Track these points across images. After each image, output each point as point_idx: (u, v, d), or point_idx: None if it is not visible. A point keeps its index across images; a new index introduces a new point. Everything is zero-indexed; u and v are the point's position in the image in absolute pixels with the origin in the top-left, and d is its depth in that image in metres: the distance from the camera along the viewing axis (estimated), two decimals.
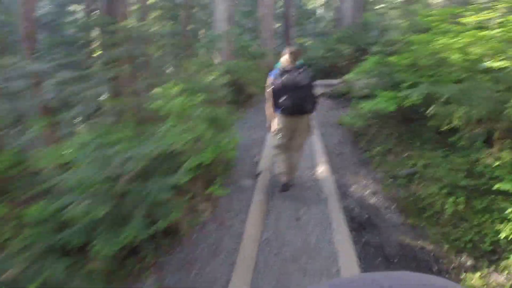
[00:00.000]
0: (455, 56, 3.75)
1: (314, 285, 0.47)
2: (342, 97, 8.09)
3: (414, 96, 4.03)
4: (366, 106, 4.56)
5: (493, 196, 2.94)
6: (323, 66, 12.73)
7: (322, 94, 8.47)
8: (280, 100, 3.02)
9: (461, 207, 3.03)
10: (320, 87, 9.27)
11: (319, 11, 22.48)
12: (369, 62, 5.76)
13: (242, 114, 7.72)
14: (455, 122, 3.50)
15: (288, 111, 3.07)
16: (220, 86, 5.24)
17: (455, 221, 3.00)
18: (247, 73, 8.18)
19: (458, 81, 3.88)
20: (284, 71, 3.06)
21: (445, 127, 3.63)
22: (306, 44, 19.50)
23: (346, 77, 8.27)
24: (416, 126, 4.79)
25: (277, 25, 19.07)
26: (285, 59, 3.15)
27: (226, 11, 10.76)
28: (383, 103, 4.28)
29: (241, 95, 8.49)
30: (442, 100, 3.62)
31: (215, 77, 5.29)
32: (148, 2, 12.93)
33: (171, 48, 10.74)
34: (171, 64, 9.79)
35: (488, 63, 3.35)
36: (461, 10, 4.17)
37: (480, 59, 3.59)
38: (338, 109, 7.57)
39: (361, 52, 11.23)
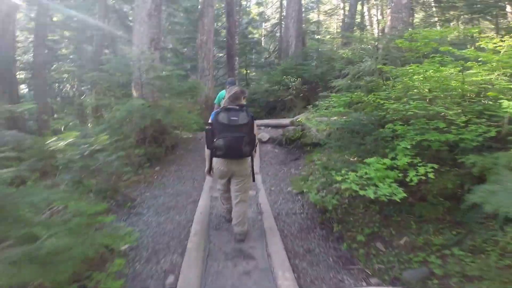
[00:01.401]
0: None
1: None
2: (293, 144, 6.30)
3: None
4: (348, 185, 2.67)
5: None
6: (267, 101, 11.14)
7: (269, 140, 6.64)
8: (214, 141, 2.76)
9: None
10: (265, 128, 7.45)
11: (262, 41, 21.76)
12: (337, 102, 4.00)
13: (158, 178, 5.48)
14: None
15: (221, 153, 2.79)
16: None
17: None
18: (168, 115, 6.05)
19: None
20: (221, 110, 2.83)
21: None
22: (250, 75, 18.31)
23: (299, 118, 6.56)
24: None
25: (220, 54, 17.70)
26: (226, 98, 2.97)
27: (146, 34, 8.67)
28: (385, 188, 2.46)
29: (160, 146, 6.25)
30: None
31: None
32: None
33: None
34: None
35: None
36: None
37: None
38: (290, 163, 5.72)
39: (309, 86, 9.85)
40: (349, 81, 5.38)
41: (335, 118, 4.13)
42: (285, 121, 7.51)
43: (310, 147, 5.94)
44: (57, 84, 13.04)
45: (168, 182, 5.27)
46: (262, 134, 6.67)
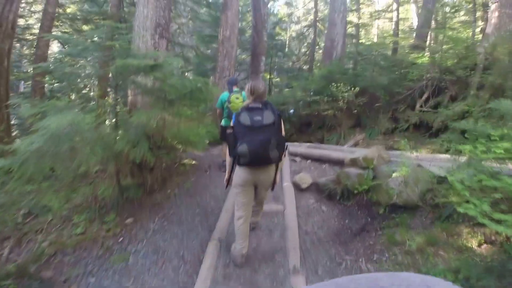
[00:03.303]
0: None
1: (320, 283, 0.43)
2: (353, 200, 3.79)
3: None
4: None
5: None
6: (299, 115, 8.65)
7: (311, 187, 4.16)
8: (237, 147, 2.41)
9: None
10: (301, 160, 5.02)
11: (288, 45, 19.62)
12: None
13: (124, 242, 3.19)
14: None
15: (245, 161, 2.43)
16: None
17: None
18: (161, 129, 3.75)
19: None
20: (243, 110, 2.48)
21: None
22: (273, 80, 16.01)
23: (365, 154, 4.06)
24: None
25: (243, 56, 15.58)
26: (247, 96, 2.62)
27: (151, 18, 6.48)
28: None
29: (141, 181, 3.96)
30: None
31: None
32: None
33: None
34: None
35: None
36: None
37: None
38: (354, 243, 3.27)
39: (365, 99, 7.29)
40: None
41: None
42: (337, 152, 4.95)
43: (386, 210, 3.45)
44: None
45: (136, 256, 3.06)
46: (301, 177, 4.21)
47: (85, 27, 10.70)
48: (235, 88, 4.34)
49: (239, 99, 4.08)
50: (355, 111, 7.29)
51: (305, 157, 5.10)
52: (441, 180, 3.44)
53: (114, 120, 3.45)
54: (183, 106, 3.84)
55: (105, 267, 2.95)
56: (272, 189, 2.75)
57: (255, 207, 2.98)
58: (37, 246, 3.35)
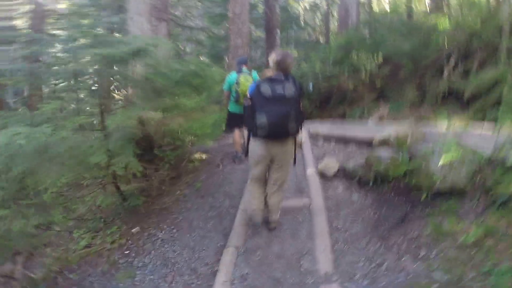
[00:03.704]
0: None
1: None
2: (387, 185, 3.23)
3: None
4: None
5: None
6: (318, 90, 7.95)
7: (338, 173, 3.62)
8: (255, 117, 2.35)
9: None
10: (324, 143, 4.51)
11: (303, 18, 18.61)
12: None
13: (131, 255, 2.86)
14: None
15: (263, 132, 2.37)
16: None
17: None
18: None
19: None
20: (265, 81, 2.42)
21: None
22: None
23: (399, 131, 3.47)
24: None
25: (258, 34, 14.84)
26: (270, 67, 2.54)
27: (145, 0, 5.97)
28: None
29: (148, 184, 3.59)
30: None
31: None
32: None
33: None
34: None
35: None
36: None
37: None
38: (394, 235, 2.78)
39: (389, 69, 6.54)
40: None
41: None
42: (363, 131, 4.36)
43: (429, 196, 2.90)
44: None
45: (143, 270, 2.79)
46: (326, 163, 3.66)
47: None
48: (244, 69, 3.88)
49: (249, 81, 3.62)
50: (378, 83, 6.56)
51: (327, 138, 4.54)
52: (490, 160, 2.87)
53: (98, 124, 3.01)
54: (177, 95, 3.32)
55: (110, 286, 2.61)
56: (294, 163, 2.69)
57: (273, 198, 2.75)
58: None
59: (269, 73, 2.56)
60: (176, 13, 14.47)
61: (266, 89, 2.35)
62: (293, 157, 2.65)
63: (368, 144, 3.93)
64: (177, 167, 4.24)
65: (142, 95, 3.27)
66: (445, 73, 5.76)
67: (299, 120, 2.44)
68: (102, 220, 3.35)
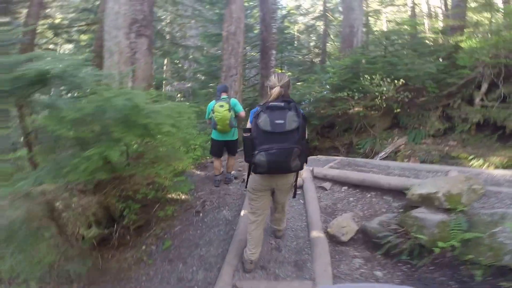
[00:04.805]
0: None
1: (325, 285, 0.55)
2: (426, 258, 2.24)
3: None
4: None
5: None
6: (321, 116, 7.05)
7: (355, 237, 2.63)
8: (254, 152, 2.09)
9: None
10: (331, 186, 3.57)
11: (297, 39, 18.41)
12: None
13: None
14: None
15: (262, 170, 2.12)
16: None
17: None
18: None
19: None
20: (263, 109, 2.13)
21: None
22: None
23: (450, 184, 2.52)
24: None
25: (252, 54, 14.34)
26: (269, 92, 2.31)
27: (125, 14, 5.21)
28: None
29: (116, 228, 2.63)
30: None
31: None
32: None
33: None
34: None
35: None
36: None
37: None
38: None
39: (410, 92, 5.66)
40: None
41: None
42: (385, 175, 3.43)
43: (486, 275, 1.91)
44: None
45: None
46: (339, 223, 2.68)
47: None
48: (223, 96, 3.88)
49: (223, 107, 3.67)
50: (394, 108, 5.66)
51: (338, 181, 3.59)
52: None
53: None
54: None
55: None
56: (294, 196, 2.47)
57: (277, 214, 2.65)
58: None
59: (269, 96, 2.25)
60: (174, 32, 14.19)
61: (265, 121, 2.06)
62: (293, 190, 2.41)
63: (395, 193, 2.96)
64: (147, 212, 3.29)
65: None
66: (477, 98, 4.89)
67: (304, 155, 2.15)
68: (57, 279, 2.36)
